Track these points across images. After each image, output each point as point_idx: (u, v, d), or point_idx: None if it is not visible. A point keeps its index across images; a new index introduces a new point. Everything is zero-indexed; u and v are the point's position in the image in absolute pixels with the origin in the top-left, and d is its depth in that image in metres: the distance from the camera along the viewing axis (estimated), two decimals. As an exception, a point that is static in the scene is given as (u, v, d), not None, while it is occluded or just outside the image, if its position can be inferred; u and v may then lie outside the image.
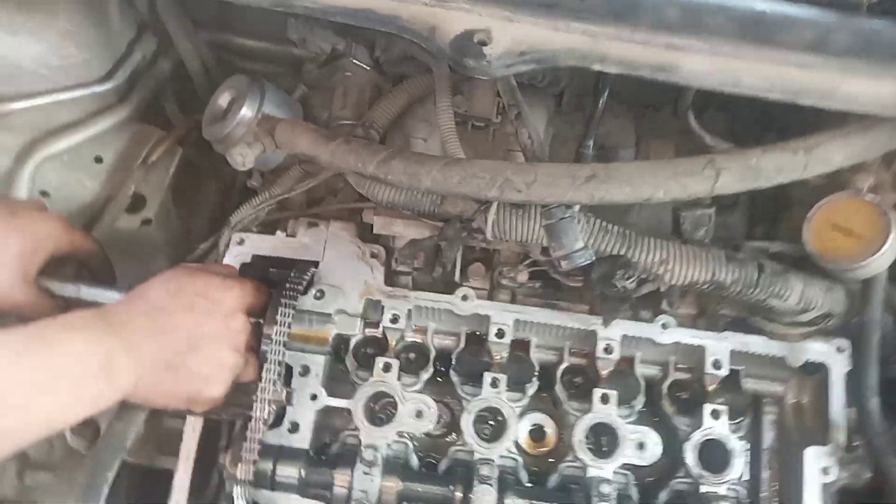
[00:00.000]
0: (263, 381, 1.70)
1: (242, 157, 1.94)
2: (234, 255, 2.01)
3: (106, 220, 2.10)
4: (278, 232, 1.98)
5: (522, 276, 2.04)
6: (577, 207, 1.53)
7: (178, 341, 1.54)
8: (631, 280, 1.79)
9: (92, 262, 1.87)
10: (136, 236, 2.13)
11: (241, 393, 1.75)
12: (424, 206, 1.91)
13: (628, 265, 1.77)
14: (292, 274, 1.99)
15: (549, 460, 2.16)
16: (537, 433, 2.19)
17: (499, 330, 2.07)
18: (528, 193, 1.39)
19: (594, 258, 1.72)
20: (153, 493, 1.87)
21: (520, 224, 1.84)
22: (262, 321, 1.75)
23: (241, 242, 2.01)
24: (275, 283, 1.83)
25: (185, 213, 2.61)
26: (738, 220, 1.93)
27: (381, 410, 1.91)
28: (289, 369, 1.85)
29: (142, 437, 2.06)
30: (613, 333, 2.08)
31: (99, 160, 2.17)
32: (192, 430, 2.01)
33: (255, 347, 1.73)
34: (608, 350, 2.08)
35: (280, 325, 1.75)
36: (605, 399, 2.04)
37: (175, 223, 2.33)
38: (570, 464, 2.06)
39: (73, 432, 1.93)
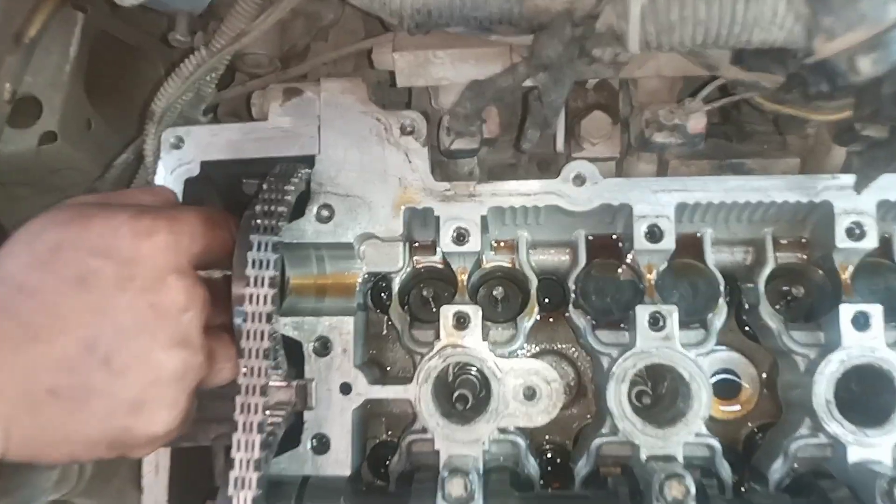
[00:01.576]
0: (247, 377, 1.04)
1: (123, -24, 0.97)
2: (170, 168, 1.27)
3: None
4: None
5: (698, 121, 1.05)
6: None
7: (64, 349, 0.96)
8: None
9: None
10: (38, 162, 1.47)
11: (222, 402, 1.10)
12: (493, 4, 0.91)
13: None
14: (266, 184, 1.07)
15: (750, 428, 1.36)
16: (726, 385, 1.27)
17: (651, 227, 1.12)
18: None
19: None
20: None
21: (702, 4, 0.84)
22: (229, 273, 1.06)
23: (179, 143, 1.10)
24: (244, 205, 1.11)
25: (115, 116, 1.66)
26: None
27: (463, 395, 1.22)
28: (294, 348, 1.22)
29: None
30: (863, 202, 1.10)
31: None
32: (154, 474, 1.19)
33: (226, 324, 1.08)
34: (854, 233, 1.11)
35: (259, 278, 1.03)
36: (860, 322, 1.09)
37: (100, 135, 1.62)
38: (809, 439, 1.14)
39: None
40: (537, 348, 1.42)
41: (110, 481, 1.47)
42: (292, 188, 1.11)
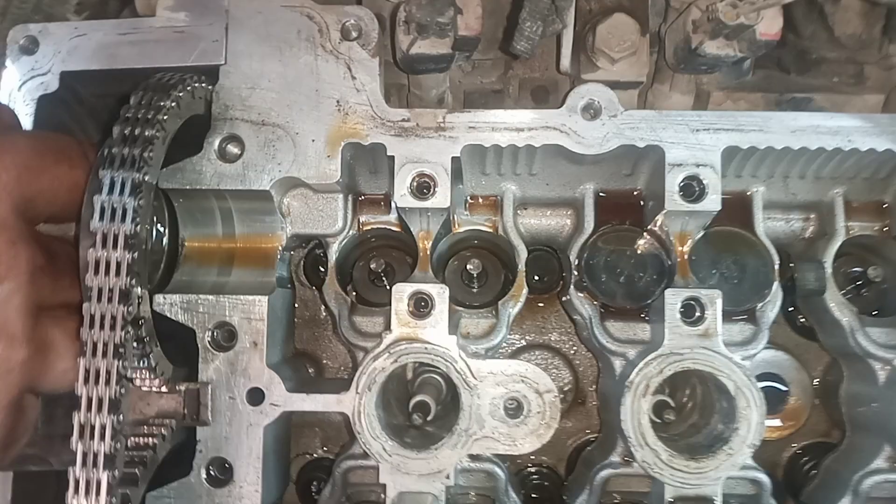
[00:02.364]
0: (87, 384, 0.69)
1: None
2: (19, 79, 0.97)
3: None
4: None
5: (772, 24, 0.74)
6: None
7: None
8: None
9: None
10: None
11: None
12: None
13: None
14: (133, 99, 0.70)
15: (794, 449, 1.06)
16: (769, 394, 0.95)
17: (689, 180, 0.78)
18: None
19: None
20: None
21: None
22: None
23: (31, 47, 0.70)
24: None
25: None
26: None
27: (422, 403, 0.86)
28: (185, 338, 0.87)
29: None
30: None
31: None
32: (-16, 507, 0.85)
33: (74, 301, 0.74)
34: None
35: (110, 234, 0.69)
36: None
37: None
38: (888, 474, 0.83)
39: None
40: (523, 341, 1.09)
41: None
42: (173, 104, 0.75)
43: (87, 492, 0.69)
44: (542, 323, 1.08)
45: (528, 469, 1.08)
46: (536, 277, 1.05)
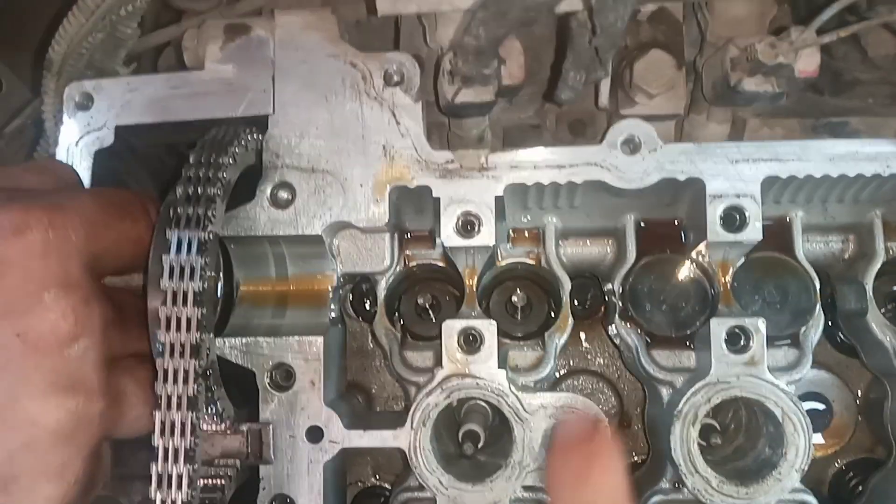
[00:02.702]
0: (163, 436, 0.72)
1: None
2: (76, 135, 0.99)
3: None
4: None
5: (810, 61, 0.75)
6: None
7: None
8: None
9: None
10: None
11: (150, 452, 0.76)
12: None
13: None
14: (192, 157, 0.74)
15: (839, 466, 1.07)
16: (812, 414, 0.97)
17: (730, 210, 0.80)
18: None
19: None
20: None
21: None
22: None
23: (86, 102, 0.73)
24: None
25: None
26: None
27: (471, 432, 0.88)
28: (245, 380, 0.90)
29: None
30: None
31: None
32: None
33: (143, 351, 0.78)
34: None
35: (179, 291, 0.72)
36: None
37: (16, 97, 1.28)
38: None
39: None
40: (567, 367, 1.10)
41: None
42: (231, 161, 0.78)
43: (167, 535, 0.72)
44: (585, 349, 1.10)
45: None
46: (577, 303, 1.07)
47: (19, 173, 0.84)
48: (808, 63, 0.82)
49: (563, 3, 0.71)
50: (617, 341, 0.98)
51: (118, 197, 0.82)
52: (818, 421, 1.05)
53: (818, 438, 1.07)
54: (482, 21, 0.70)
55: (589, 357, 1.10)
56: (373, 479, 1.11)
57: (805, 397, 1.05)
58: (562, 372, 1.10)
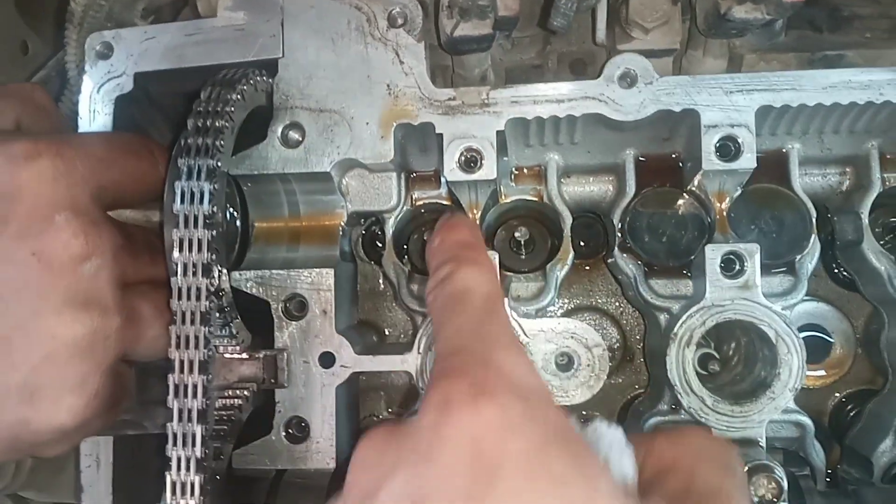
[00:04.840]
0: (179, 349, 0.77)
1: None
2: (97, 82, 1.05)
3: None
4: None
5: None
6: None
7: None
8: None
9: None
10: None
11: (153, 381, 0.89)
12: None
13: None
14: (203, 94, 0.78)
15: (839, 398, 1.10)
16: (812, 345, 1.01)
17: (724, 140, 0.83)
18: None
19: None
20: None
21: None
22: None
23: (106, 52, 0.82)
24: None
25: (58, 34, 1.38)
26: None
27: None
28: (261, 310, 0.95)
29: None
30: None
31: None
32: (95, 468, 0.95)
33: (156, 277, 0.85)
34: None
35: (191, 215, 0.76)
36: None
37: (41, 58, 1.32)
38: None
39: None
40: (572, 304, 1.14)
41: (60, 473, 1.23)
42: (238, 96, 0.83)
43: (185, 444, 0.77)
44: (589, 286, 1.14)
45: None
46: (582, 243, 1.10)
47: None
48: None
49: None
50: (617, 273, 1.02)
51: (122, 138, 0.88)
52: (818, 352, 1.07)
53: (819, 371, 1.10)
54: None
55: (592, 294, 1.13)
56: (385, 413, 1.16)
57: (806, 328, 1.07)
58: (569, 307, 1.14)
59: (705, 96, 0.89)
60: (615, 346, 1.13)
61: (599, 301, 1.13)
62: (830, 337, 1.07)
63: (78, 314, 0.74)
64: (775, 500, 0.80)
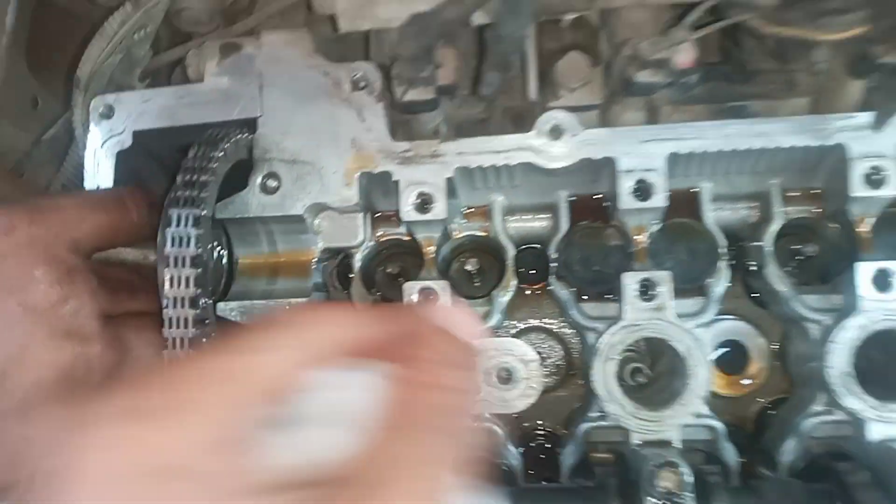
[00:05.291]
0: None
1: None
2: (103, 140, 1.06)
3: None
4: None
5: (687, 54, 0.90)
6: None
7: None
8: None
9: None
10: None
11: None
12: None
13: None
14: (191, 153, 0.94)
15: (761, 404, 1.23)
16: (732, 358, 1.15)
17: (639, 183, 0.98)
18: None
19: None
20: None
21: None
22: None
23: (108, 112, 0.96)
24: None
25: (67, 91, 1.53)
26: None
27: None
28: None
29: None
30: (885, 144, 0.98)
31: None
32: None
33: (137, 309, 1.01)
34: (873, 179, 0.97)
35: (180, 257, 0.90)
36: (882, 281, 0.95)
37: (50, 112, 1.45)
38: (824, 416, 1.01)
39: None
40: (522, 325, 1.28)
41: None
42: (221, 154, 0.98)
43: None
44: (536, 309, 1.28)
45: (536, 432, 1.27)
46: (533, 271, 1.24)
47: None
48: (684, 57, 0.98)
49: (476, 17, 0.88)
50: (555, 297, 1.16)
51: (93, 196, 1.05)
52: (736, 364, 1.21)
53: (744, 380, 1.23)
54: (410, 34, 0.88)
55: (540, 316, 1.27)
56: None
57: (726, 344, 1.21)
58: (520, 328, 1.28)
59: (622, 145, 1.04)
60: (561, 363, 1.27)
61: (546, 322, 1.27)
62: (747, 350, 1.21)
63: (61, 344, 0.89)
64: (679, 492, 0.93)
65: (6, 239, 0.90)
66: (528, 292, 1.27)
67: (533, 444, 1.25)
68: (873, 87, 0.97)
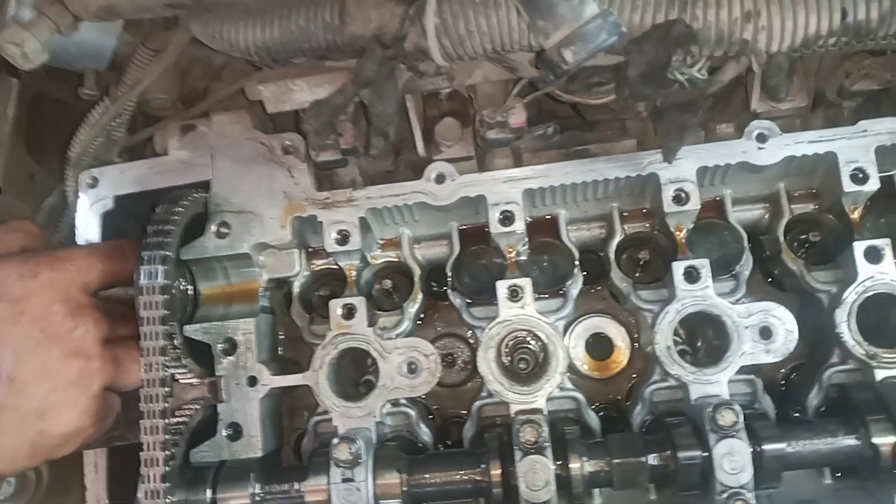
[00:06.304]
0: (147, 371, 1.22)
1: (20, 47, 1.16)
2: (90, 205, 1.26)
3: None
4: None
5: (518, 116, 1.22)
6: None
7: None
8: (698, 66, 0.97)
9: None
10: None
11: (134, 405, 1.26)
12: (317, 37, 1.09)
13: (690, 38, 0.94)
14: (157, 210, 1.24)
15: (627, 384, 1.51)
16: (601, 347, 1.45)
17: (504, 213, 1.30)
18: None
19: (624, 32, 0.90)
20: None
21: (482, 18, 1.02)
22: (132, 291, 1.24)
23: (94, 183, 1.25)
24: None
25: (59, 167, 1.84)
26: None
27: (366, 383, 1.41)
28: (206, 350, 1.38)
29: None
30: (684, 170, 1.29)
31: None
32: (94, 472, 1.35)
33: (129, 334, 1.27)
34: (680, 198, 1.29)
35: (151, 287, 1.21)
36: (692, 275, 1.27)
37: (44, 186, 1.76)
38: (660, 384, 1.31)
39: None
40: (437, 331, 1.59)
41: (70, 490, 1.62)
42: (181, 209, 1.29)
43: (153, 432, 1.18)
44: (447, 318, 1.59)
45: (454, 418, 1.57)
46: (436, 286, 1.55)
47: (13, 228, 1.33)
48: (517, 119, 1.32)
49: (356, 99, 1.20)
50: (454, 305, 1.47)
51: (102, 248, 1.32)
52: (604, 351, 1.53)
53: (604, 363, 1.54)
54: (311, 115, 1.20)
55: (450, 324, 1.58)
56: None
57: (592, 336, 1.53)
58: (434, 334, 1.58)
59: (489, 186, 1.36)
60: (467, 361, 1.57)
61: (454, 329, 1.58)
62: (610, 339, 1.52)
63: (71, 360, 1.17)
64: (536, 441, 1.22)
65: (33, 282, 1.18)
66: (444, 305, 1.58)
67: (451, 427, 1.55)
68: (662, 131, 1.30)
